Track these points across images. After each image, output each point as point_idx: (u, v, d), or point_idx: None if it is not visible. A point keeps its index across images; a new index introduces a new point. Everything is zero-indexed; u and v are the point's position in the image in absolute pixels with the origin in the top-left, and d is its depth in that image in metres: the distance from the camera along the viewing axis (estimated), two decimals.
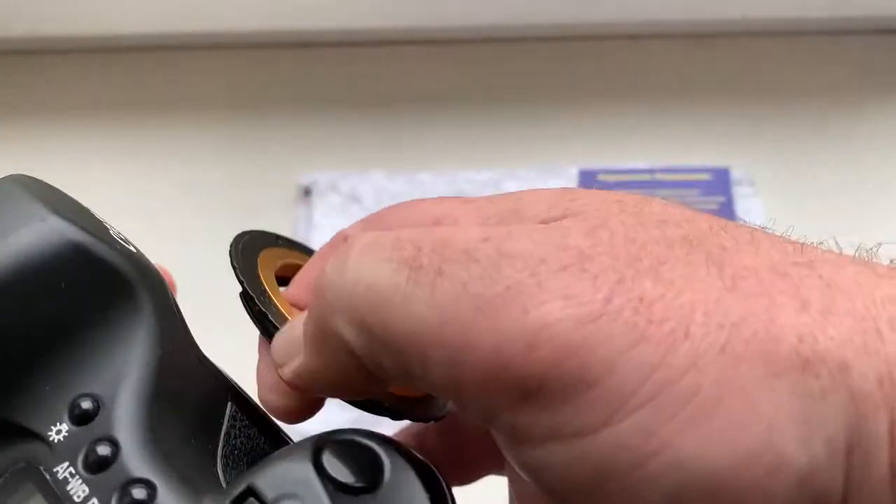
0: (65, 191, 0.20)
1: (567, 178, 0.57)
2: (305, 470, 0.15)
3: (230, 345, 0.55)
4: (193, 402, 0.18)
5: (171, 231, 0.57)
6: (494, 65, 0.63)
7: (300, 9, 0.59)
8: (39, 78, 0.63)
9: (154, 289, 0.18)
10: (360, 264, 0.17)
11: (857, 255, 0.17)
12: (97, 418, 0.16)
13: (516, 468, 0.17)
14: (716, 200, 0.56)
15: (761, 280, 0.16)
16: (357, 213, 0.55)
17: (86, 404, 0.16)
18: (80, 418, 0.16)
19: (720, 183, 0.56)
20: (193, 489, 0.15)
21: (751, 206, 0.56)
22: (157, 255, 0.61)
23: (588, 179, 0.56)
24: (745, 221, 0.19)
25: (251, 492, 0.15)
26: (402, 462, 0.16)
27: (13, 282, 0.16)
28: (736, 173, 0.57)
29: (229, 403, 0.18)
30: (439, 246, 0.17)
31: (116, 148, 0.61)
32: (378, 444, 0.16)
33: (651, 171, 0.57)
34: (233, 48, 0.63)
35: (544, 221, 0.18)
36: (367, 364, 0.18)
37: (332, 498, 0.15)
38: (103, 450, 0.16)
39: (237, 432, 0.18)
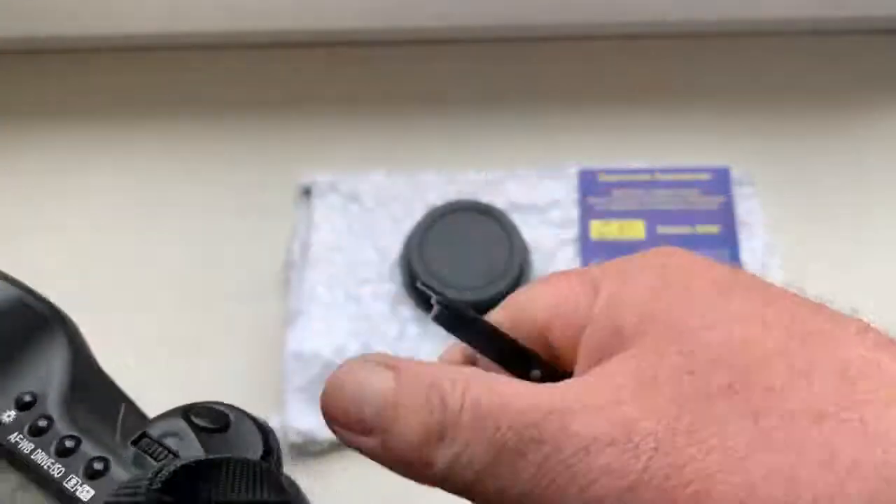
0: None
1: (568, 177, 0.57)
2: (178, 420, 0.23)
3: (226, 340, 0.55)
4: (98, 393, 0.27)
5: (171, 230, 0.57)
6: (494, 65, 0.63)
7: (301, 9, 0.59)
8: (32, 78, 0.63)
9: (65, 323, 0.27)
10: (457, 443, 0.21)
11: None
12: (35, 405, 0.24)
13: None
14: (716, 200, 0.56)
15: (795, 430, 0.18)
16: (357, 213, 0.55)
17: (27, 398, 0.25)
18: (24, 406, 0.24)
19: (720, 183, 0.56)
20: (106, 441, 0.24)
21: (751, 206, 0.56)
22: (156, 254, 0.62)
23: (588, 179, 0.56)
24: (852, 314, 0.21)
25: (144, 434, 0.23)
26: (243, 415, 0.24)
27: None
28: (736, 173, 0.57)
29: (123, 404, 0.27)
30: (514, 421, 0.20)
31: (115, 148, 0.61)
32: (226, 407, 0.25)
33: (651, 171, 0.57)
34: (232, 48, 0.63)
35: (622, 345, 0.21)
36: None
37: (196, 435, 0.23)
38: (42, 422, 0.24)
39: (130, 416, 0.26)
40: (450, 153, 0.60)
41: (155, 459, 0.22)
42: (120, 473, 0.22)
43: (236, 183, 0.59)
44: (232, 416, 0.24)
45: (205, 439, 0.23)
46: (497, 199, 0.55)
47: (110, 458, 0.23)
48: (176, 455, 0.22)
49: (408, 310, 0.52)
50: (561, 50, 0.63)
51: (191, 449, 0.23)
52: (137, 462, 0.23)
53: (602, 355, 0.22)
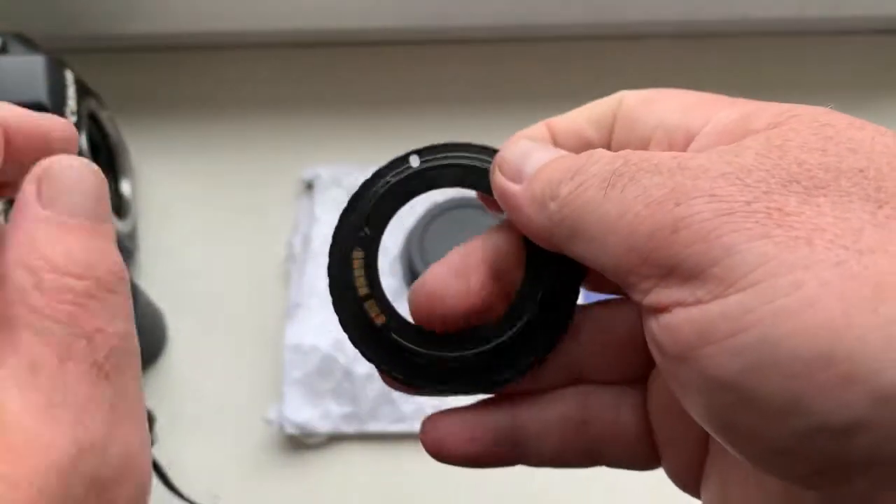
0: None
1: None
2: None
3: (226, 332, 0.55)
4: None
5: (173, 225, 0.58)
6: (495, 64, 0.63)
7: (302, 9, 0.60)
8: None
9: None
10: (584, 174, 0.21)
11: None
12: None
13: (646, 332, 0.20)
14: None
15: None
16: None
17: None
18: None
19: None
20: None
21: None
22: (161, 246, 0.62)
23: None
24: None
25: None
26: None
27: None
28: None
29: None
30: (641, 160, 0.21)
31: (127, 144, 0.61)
32: None
33: None
34: (235, 47, 0.63)
35: (759, 130, 0.21)
36: (558, 237, 0.22)
37: None
38: None
39: None
40: None
41: None
42: None
43: (239, 177, 0.59)
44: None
45: None
46: None
47: None
48: None
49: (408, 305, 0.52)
50: (561, 50, 0.64)
51: None
52: None
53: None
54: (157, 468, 0.44)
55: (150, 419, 0.43)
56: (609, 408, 0.26)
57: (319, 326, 0.51)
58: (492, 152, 0.26)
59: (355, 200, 0.26)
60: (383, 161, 0.28)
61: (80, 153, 0.47)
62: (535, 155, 0.24)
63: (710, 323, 0.18)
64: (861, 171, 0.19)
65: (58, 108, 0.46)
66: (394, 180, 0.27)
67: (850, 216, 0.18)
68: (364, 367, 0.50)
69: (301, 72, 0.63)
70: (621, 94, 0.26)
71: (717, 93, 0.24)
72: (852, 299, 0.17)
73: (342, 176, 0.56)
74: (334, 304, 0.26)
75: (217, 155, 0.60)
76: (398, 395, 0.49)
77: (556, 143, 0.26)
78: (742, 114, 0.22)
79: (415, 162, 0.27)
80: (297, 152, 0.59)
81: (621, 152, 0.22)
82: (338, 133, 0.61)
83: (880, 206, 0.18)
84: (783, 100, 0.21)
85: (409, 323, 0.26)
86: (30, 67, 0.45)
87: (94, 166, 0.22)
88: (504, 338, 0.25)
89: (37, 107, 0.45)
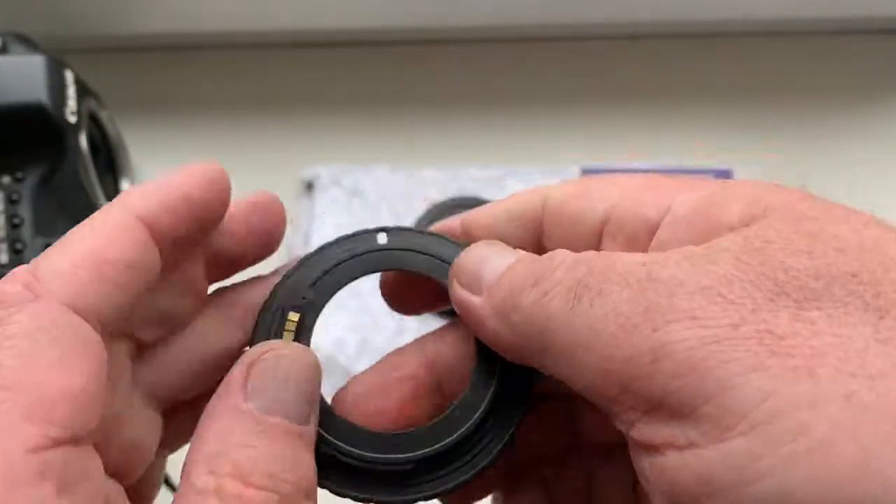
0: None
1: (569, 176, 0.57)
2: None
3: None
4: None
5: None
6: (496, 64, 0.63)
7: (302, 9, 0.60)
8: None
9: None
10: (547, 283, 0.20)
11: None
12: None
13: (636, 467, 0.19)
14: None
15: None
16: (359, 208, 0.55)
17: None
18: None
19: None
20: None
21: None
22: None
23: None
24: None
25: None
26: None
27: None
28: (737, 174, 0.57)
29: None
30: (606, 268, 0.19)
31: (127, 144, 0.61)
32: None
33: (652, 172, 0.57)
34: (235, 47, 0.63)
35: (732, 227, 0.19)
36: (528, 352, 0.20)
37: None
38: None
39: None
40: (452, 150, 0.60)
41: None
42: None
43: (239, 177, 0.59)
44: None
45: None
46: (498, 196, 0.55)
47: None
48: None
49: None
50: (561, 50, 0.64)
51: None
52: None
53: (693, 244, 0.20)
54: None
55: None
56: (611, 481, 0.25)
57: (319, 327, 0.51)
58: (464, 246, 0.24)
59: (308, 259, 0.25)
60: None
61: (80, 153, 0.47)
62: (493, 261, 0.22)
63: (712, 470, 0.16)
64: (854, 275, 0.17)
65: (58, 107, 0.46)
66: (358, 250, 0.25)
67: (850, 333, 0.16)
68: (364, 367, 0.50)
69: (301, 72, 0.63)
70: (543, 191, 0.24)
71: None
72: (870, 439, 0.15)
73: (342, 176, 0.56)
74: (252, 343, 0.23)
75: (217, 155, 0.60)
76: None
77: (473, 240, 0.24)
78: (702, 199, 0.20)
79: (382, 239, 0.25)
80: (297, 152, 0.59)
81: (584, 255, 0.20)
82: (338, 133, 0.61)
83: (881, 317, 0.16)
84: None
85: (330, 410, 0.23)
86: (30, 67, 0.45)
87: (313, 358, 0.21)
88: (447, 442, 0.22)
89: (37, 106, 0.45)
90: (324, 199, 0.56)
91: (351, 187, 0.56)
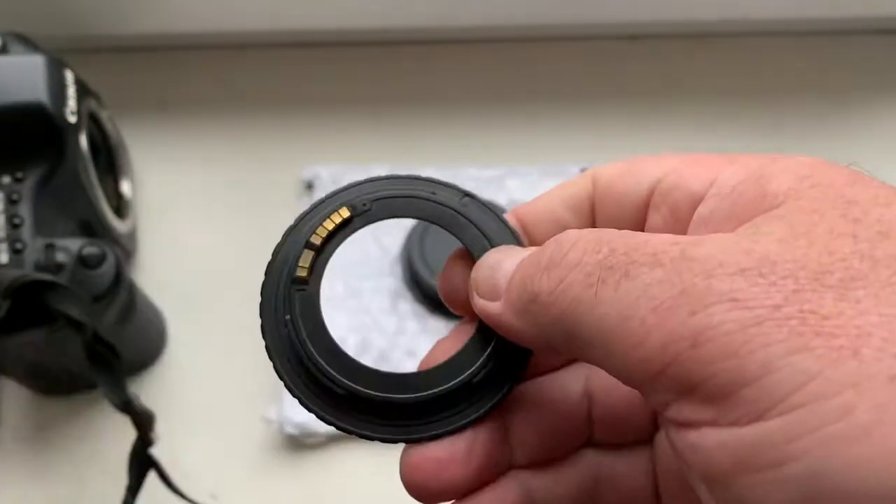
0: None
1: (570, 176, 0.57)
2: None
3: (226, 332, 0.55)
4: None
5: (173, 225, 0.58)
6: (496, 64, 0.63)
7: (302, 9, 0.60)
8: None
9: None
10: (562, 268, 0.19)
11: None
12: None
13: (669, 442, 0.18)
14: None
15: None
16: None
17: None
18: None
19: None
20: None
21: None
22: (161, 246, 0.62)
23: None
24: None
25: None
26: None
27: None
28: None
29: None
30: (631, 249, 0.18)
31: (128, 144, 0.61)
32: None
33: None
34: (235, 47, 0.63)
35: (777, 203, 0.18)
36: (555, 343, 0.20)
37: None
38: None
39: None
40: (452, 151, 0.60)
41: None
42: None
43: (239, 177, 0.59)
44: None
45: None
46: (498, 196, 0.56)
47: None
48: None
49: (407, 305, 0.52)
50: (561, 50, 0.64)
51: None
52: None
53: (734, 224, 0.19)
54: (157, 468, 0.44)
55: (150, 419, 0.43)
56: (622, 477, 0.24)
57: None
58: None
59: (390, 179, 0.25)
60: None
61: (81, 153, 0.48)
62: (506, 263, 0.22)
63: (748, 449, 0.16)
64: None
65: (58, 108, 0.46)
66: (424, 195, 0.25)
67: None
68: None
69: (301, 72, 0.63)
70: (592, 172, 0.24)
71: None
72: None
73: (342, 176, 0.57)
74: (266, 281, 0.24)
75: (217, 155, 0.60)
76: None
77: (528, 233, 0.24)
78: (750, 172, 0.20)
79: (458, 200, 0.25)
80: (297, 152, 0.59)
81: (605, 234, 0.19)
82: (338, 133, 0.61)
83: None
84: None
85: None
86: (30, 67, 0.45)
87: None
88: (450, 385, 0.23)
89: (37, 106, 0.45)
90: None
91: None
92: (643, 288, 0.17)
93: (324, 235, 0.24)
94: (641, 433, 0.24)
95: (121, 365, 0.42)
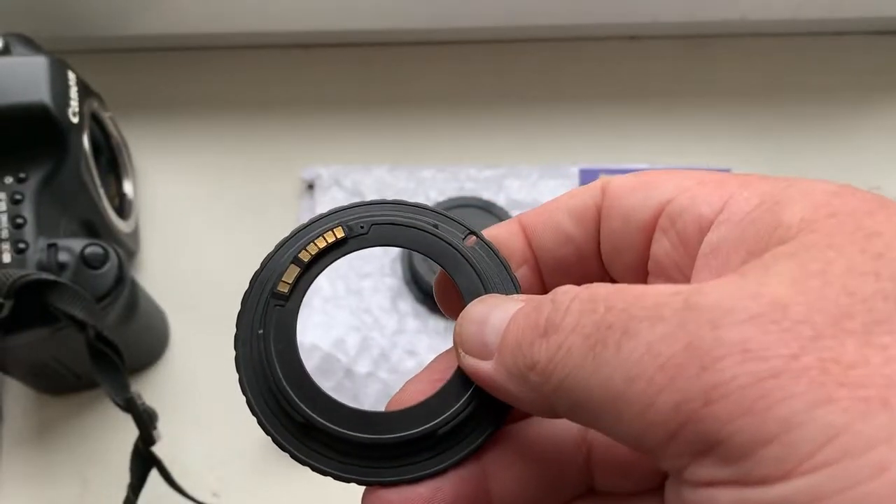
0: None
1: (568, 176, 0.57)
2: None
3: (228, 332, 0.55)
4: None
5: (174, 225, 0.58)
6: (496, 64, 0.63)
7: (302, 10, 0.60)
8: None
9: None
10: (560, 332, 0.18)
11: None
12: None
13: (679, 499, 0.17)
14: None
15: None
16: None
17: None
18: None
19: None
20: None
21: None
22: (162, 246, 0.63)
23: (589, 178, 0.57)
24: None
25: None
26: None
27: None
28: (737, 174, 0.57)
29: None
30: (629, 304, 0.17)
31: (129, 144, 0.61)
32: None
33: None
34: (235, 47, 0.64)
35: (790, 235, 0.17)
36: (557, 410, 0.18)
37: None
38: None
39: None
40: (452, 151, 0.60)
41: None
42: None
43: (240, 177, 0.59)
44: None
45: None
46: (498, 196, 0.56)
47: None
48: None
49: (407, 304, 0.52)
50: (561, 50, 0.64)
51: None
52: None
53: (743, 256, 0.18)
54: (159, 466, 0.44)
55: (152, 417, 0.43)
56: None
57: (320, 325, 0.51)
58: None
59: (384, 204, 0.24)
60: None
61: (83, 154, 0.48)
62: (494, 318, 0.20)
63: None
64: None
65: (60, 108, 0.46)
66: (413, 223, 0.23)
67: None
68: (365, 367, 0.50)
69: (301, 72, 0.63)
70: (603, 181, 0.22)
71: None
72: None
73: (342, 176, 0.57)
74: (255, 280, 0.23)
75: (218, 155, 0.60)
76: None
77: (531, 241, 0.23)
78: (764, 199, 0.18)
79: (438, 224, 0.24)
80: (297, 152, 0.59)
81: (598, 290, 0.18)
82: (338, 133, 0.61)
83: None
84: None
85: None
86: (32, 68, 0.46)
87: None
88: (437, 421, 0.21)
89: (39, 107, 0.45)
90: (324, 199, 0.56)
91: (351, 187, 0.56)
92: (646, 345, 0.16)
93: (313, 253, 0.23)
94: (648, 480, 0.22)
95: (123, 364, 0.42)
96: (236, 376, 0.23)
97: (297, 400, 0.22)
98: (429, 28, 0.62)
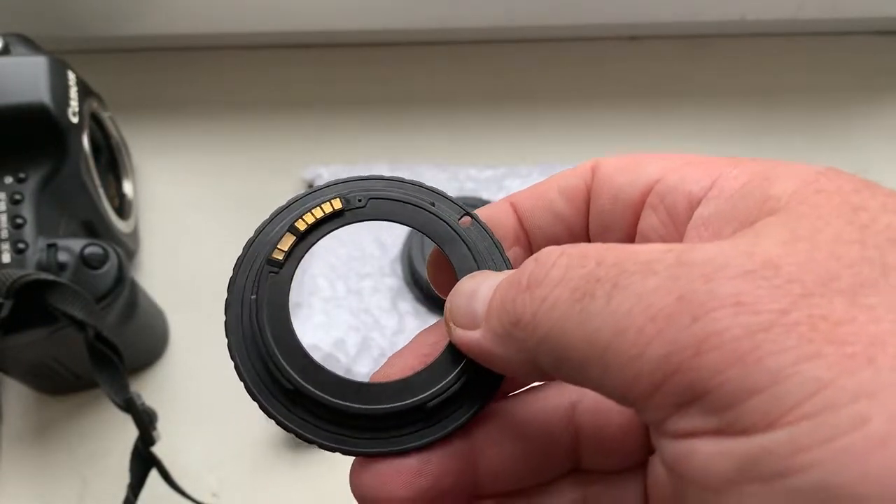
0: None
1: None
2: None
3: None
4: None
5: (174, 225, 0.58)
6: (496, 64, 0.64)
7: (302, 10, 0.60)
8: None
9: None
10: (545, 286, 0.18)
11: None
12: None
13: (661, 457, 0.17)
14: None
15: None
16: None
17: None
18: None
19: None
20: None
21: None
22: (162, 245, 0.63)
23: None
24: None
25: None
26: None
27: None
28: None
29: None
30: (621, 259, 0.17)
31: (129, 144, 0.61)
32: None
33: None
34: (235, 48, 0.64)
35: (779, 207, 0.17)
36: (543, 367, 0.18)
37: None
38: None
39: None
40: (452, 151, 0.60)
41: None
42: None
43: (240, 177, 0.59)
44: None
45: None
46: (498, 196, 0.56)
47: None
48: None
49: (407, 304, 0.52)
50: (561, 50, 0.64)
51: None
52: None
53: (734, 227, 0.18)
54: (158, 466, 0.44)
55: (152, 418, 0.43)
56: (611, 502, 0.23)
57: (320, 325, 0.51)
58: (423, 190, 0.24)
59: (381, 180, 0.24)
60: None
61: (83, 154, 0.48)
62: (482, 289, 0.20)
63: (752, 458, 0.15)
64: None
65: (60, 108, 0.46)
66: (411, 199, 0.24)
67: None
68: (365, 367, 0.50)
69: (301, 72, 0.63)
70: (594, 162, 0.23)
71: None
72: None
73: (342, 176, 0.57)
74: (241, 262, 0.23)
75: (218, 155, 0.61)
76: None
77: (523, 221, 0.23)
78: (754, 175, 0.19)
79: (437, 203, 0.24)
80: (297, 152, 0.59)
81: (586, 249, 0.18)
82: (339, 133, 0.61)
83: None
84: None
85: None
86: (32, 68, 0.46)
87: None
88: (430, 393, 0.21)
89: (39, 107, 0.45)
90: None
91: None
92: (637, 297, 0.16)
93: (310, 222, 0.23)
94: (633, 458, 0.23)
95: (123, 364, 0.42)
96: (225, 340, 0.22)
97: (286, 365, 0.21)
98: (428, 28, 0.62)
